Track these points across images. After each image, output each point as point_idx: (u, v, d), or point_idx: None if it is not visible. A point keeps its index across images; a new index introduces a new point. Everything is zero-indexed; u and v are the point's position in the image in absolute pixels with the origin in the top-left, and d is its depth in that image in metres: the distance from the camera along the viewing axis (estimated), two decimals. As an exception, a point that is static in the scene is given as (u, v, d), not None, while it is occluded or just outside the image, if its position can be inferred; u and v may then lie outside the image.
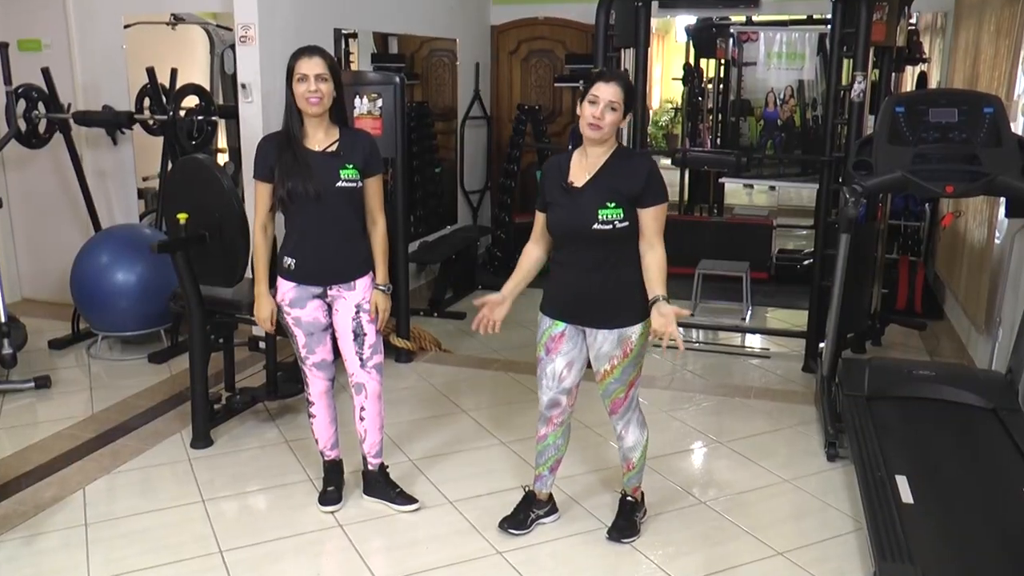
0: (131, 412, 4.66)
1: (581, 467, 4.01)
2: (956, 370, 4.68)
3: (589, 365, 3.27)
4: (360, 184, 3.36)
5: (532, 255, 3.30)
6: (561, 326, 3.19)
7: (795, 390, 5.17)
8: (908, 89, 7.88)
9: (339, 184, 3.31)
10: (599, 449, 4.22)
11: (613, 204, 3.00)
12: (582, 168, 3.10)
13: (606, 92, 2.98)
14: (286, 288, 3.42)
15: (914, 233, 7.07)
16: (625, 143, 5.78)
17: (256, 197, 3.41)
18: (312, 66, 3.23)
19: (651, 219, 3.04)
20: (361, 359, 3.49)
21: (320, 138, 3.34)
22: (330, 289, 3.43)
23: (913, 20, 7.31)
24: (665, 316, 2.93)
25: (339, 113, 3.37)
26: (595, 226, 3.01)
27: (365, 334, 3.47)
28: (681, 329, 6.46)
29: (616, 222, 3.00)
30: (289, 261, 3.39)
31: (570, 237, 3.10)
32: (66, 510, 3.67)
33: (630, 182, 3.02)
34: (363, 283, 3.45)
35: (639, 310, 3.11)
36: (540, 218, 3.24)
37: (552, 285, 3.23)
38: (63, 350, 5.69)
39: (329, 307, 3.47)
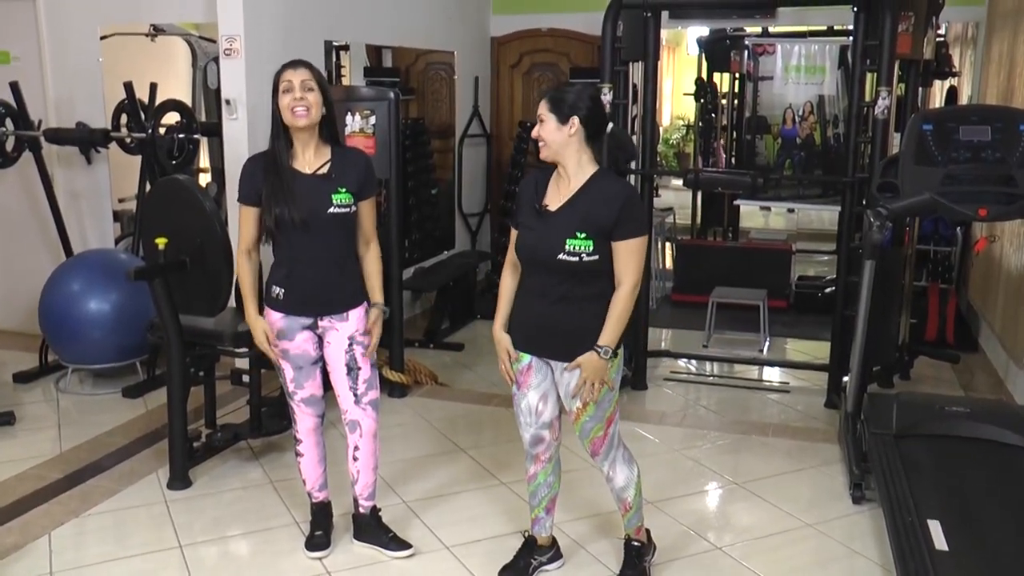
0: (103, 451, 4.65)
1: (584, 508, 4.00)
2: (993, 406, 4.68)
3: None
4: (353, 209, 3.37)
5: (513, 278, 3.24)
6: (527, 358, 3.17)
7: (817, 427, 5.17)
8: (936, 105, 7.92)
9: (331, 210, 3.31)
10: (603, 488, 4.19)
11: (583, 235, 2.96)
12: (558, 190, 3.08)
13: (538, 111, 3.04)
14: (274, 319, 3.42)
15: (945, 259, 7.08)
16: (633, 162, 5.82)
17: (240, 222, 3.41)
18: (298, 74, 3.25)
19: (622, 253, 2.99)
20: (355, 395, 3.48)
21: (310, 159, 3.35)
22: (321, 320, 3.43)
23: (942, 31, 7.37)
24: (586, 371, 3.01)
25: (330, 131, 3.38)
26: (560, 256, 2.98)
27: (359, 368, 3.46)
28: (694, 362, 6.48)
29: (583, 255, 2.96)
30: (277, 290, 3.39)
31: (535, 264, 3.08)
32: (29, 558, 3.64)
33: (602, 211, 2.97)
34: (356, 314, 3.45)
35: None
36: (515, 237, 3.21)
37: (516, 312, 3.19)
38: (29, 384, 5.68)
39: (320, 339, 3.47)
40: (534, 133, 3.03)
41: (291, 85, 3.24)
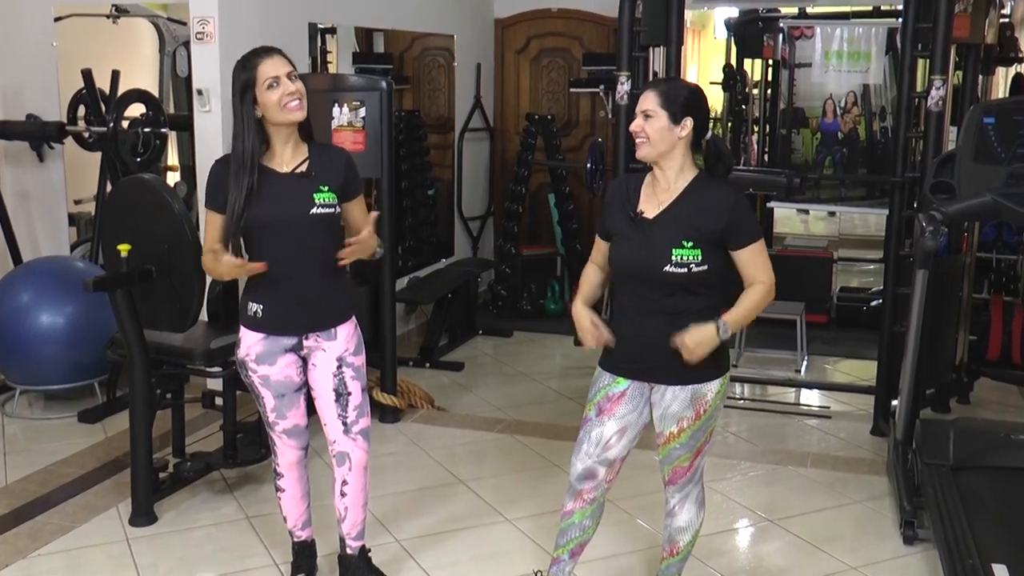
0: (55, 482, 4.65)
1: (604, 549, 3.98)
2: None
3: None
4: (337, 210, 3.37)
5: (596, 273, 3.31)
6: (623, 384, 3.18)
7: (863, 457, 5.16)
8: (999, 95, 7.92)
9: (314, 211, 3.30)
10: (624, 527, 4.21)
11: (690, 243, 3.00)
12: (654, 195, 3.12)
13: (640, 103, 3.05)
14: (252, 340, 3.40)
15: (1009, 268, 7.06)
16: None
17: (207, 230, 3.39)
18: (278, 65, 3.24)
19: (744, 260, 3.06)
20: (345, 423, 3.47)
21: (287, 157, 3.34)
22: (306, 339, 3.42)
23: (1006, 11, 7.35)
24: (693, 337, 2.99)
25: (307, 126, 3.38)
26: (667, 268, 3.01)
27: (350, 393, 3.45)
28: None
29: (692, 265, 3.01)
30: (255, 307, 3.37)
31: (637, 278, 3.11)
32: (-28, 604, 3.66)
33: (710, 218, 3.03)
34: (345, 331, 3.45)
35: (717, 363, 3.12)
36: (601, 246, 3.27)
37: (613, 333, 3.21)
38: (-28, 408, 5.69)
39: (304, 362, 3.47)
40: (635, 127, 3.05)
41: (278, 79, 3.22)
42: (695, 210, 3.05)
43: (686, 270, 3.01)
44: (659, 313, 3.07)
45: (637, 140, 3.05)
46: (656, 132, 3.02)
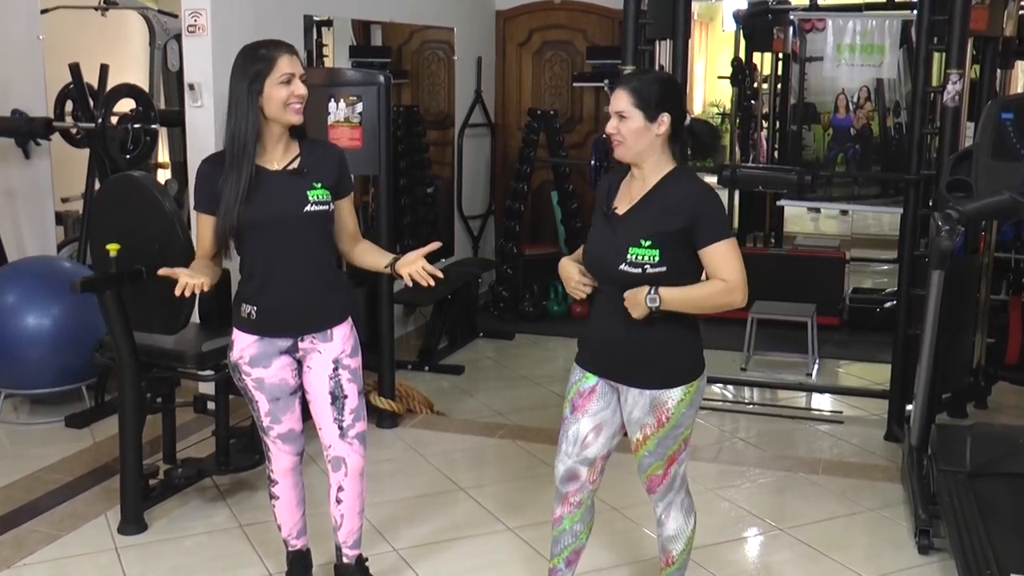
0: (42, 489, 4.65)
1: (606, 559, 3.99)
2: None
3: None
4: (331, 208, 3.37)
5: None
6: (592, 380, 3.20)
7: (876, 464, 5.16)
8: (1018, 90, 7.91)
9: (308, 209, 3.31)
10: (628, 536, 4.20)
11: (649, 243, 2.99)
12: (630, 192, 3.13)
13: (613, 103, 3.04)
14: (245, 343, 3.39)
15: (1029, 269, 7.05)
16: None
17: (199, 233, 3.40)
18: (295, 64, 3.25)
19: (713, 259, 2.98)
20: (341, 427, 3.47)
21: (279, 155, 3.33)
22: (301, 341, 3.42)
23: (1026, 2, 7.36)
24: (628, 294, 2.98)
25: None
26: (621, 267, 3.01)
27: (346, 396, 3.45)
28: (730, 387, 6.49)
29: (648, 265, 2.98)
30: (248, 309, 3.36)
31: (601, 276, 3.12)
32: (-45, 616, 3.66)
33: (672, 216, 3.00)
34: (341, 332, 3.45)
35: (680, 371, 3.11)
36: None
37: (587, 330, 3.25)
38: (-44, 412, 5.70)
39: (299, 364, 3.47)
40: (609, 128, 3.03)
41: (292, 77, 3.22)
42: (660, 208, 3.03)
43: (640, 270, 2.98)
44: (621, 312, 3.05)
45: (613, 141, 3.04)
46: (632, 133, 3.01)
